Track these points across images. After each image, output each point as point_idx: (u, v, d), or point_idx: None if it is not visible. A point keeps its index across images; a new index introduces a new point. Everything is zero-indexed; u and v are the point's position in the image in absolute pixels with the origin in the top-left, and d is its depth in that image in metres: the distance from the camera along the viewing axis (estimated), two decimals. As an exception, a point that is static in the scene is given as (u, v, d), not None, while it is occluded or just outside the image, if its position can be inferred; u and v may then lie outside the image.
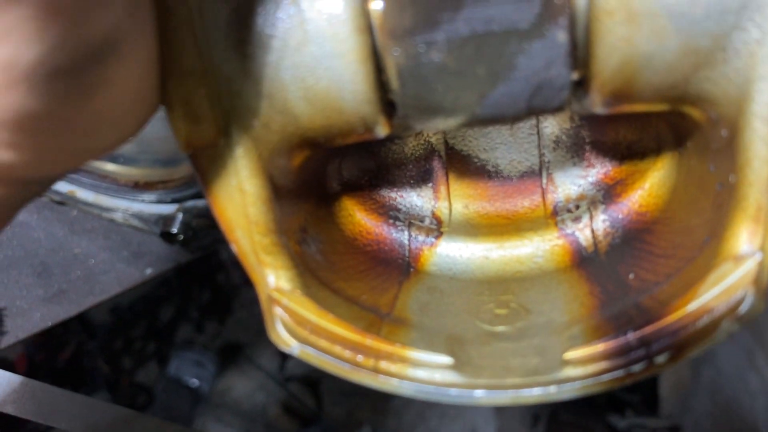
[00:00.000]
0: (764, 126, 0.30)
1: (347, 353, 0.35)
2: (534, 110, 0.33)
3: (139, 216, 0.86)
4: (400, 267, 0.45)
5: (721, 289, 0.31)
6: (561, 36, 0.30)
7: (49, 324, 0.86)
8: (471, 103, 0.32)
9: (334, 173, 0.45)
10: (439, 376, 0.34)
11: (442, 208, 0.47)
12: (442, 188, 0.46)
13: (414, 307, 0.40)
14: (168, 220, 0.85)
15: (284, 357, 2.90)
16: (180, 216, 0.84)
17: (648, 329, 0.33)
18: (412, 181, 0.47)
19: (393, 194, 0.47)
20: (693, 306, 0.32)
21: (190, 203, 0.84)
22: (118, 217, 0.87)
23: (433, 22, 0.30)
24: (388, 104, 0.34)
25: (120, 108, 0.29)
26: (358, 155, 0.46)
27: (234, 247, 0.36)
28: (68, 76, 0.25)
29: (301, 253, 0.38)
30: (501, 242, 0.45)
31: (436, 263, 0.45)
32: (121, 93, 0.28)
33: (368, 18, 0.31)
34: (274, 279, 0.36)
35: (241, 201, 0.35)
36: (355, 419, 2.89)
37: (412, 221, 0.47)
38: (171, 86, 0.32)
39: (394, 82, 0.32)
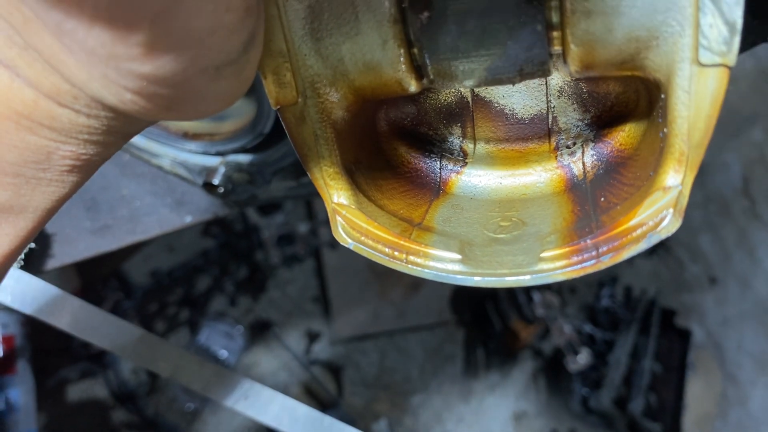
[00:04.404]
0: (683, 93, 0.39)
1: (387, 249, 0.48)
2: (525, 76, 0.44)
3: (184, 165, 0.92)
4: (432, 189, 0.57)
5: (652, 210, 0.41)
6: (538, 26, 0.40)
7: (93, 253, 0.93)
8: (477, 73, 0.44)
9: (382, 117, 0.57)
10: (450, 266, 0.46)
11: (468, 143, 0.58)
12: (469, 127, 0.57)
13: (439, 219, 0.52)
14: (211, 171, 0.90)
15: (311, 340, 2.96)
16: (222, 169, 0.90)
17: (600, 237, 0.43)
18: (444, 122, 0.58)
19: (430, 132, 0.58)
20: (633, 222, 0.42)
21: (231, 157, 0.89)
22: (165, 164, 0.93)
23: (445, 17, 0.41)
24: (417, 70, 0.45)
25: (245, 84, 0.39)
26: (402, 103, 0.57)
27: (310, 175, 0.49)
28: (234, 63, 0.35)
29: (356, 179, 0.50)
30: (512, 171, 0.56)
31: (460, 186, 0.57)
32: (251, 72, 0.39)
33: (403, 11, 0.42)
34: (336, 197, 0.49)
35: (313, 142, 0.47)
36: (372, 411, 2.92)
37: (444, 153, 0.58)
38: (265, 61, 0.44)
39: (420, 58, 0.44)
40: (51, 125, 0.36)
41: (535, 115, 0.56)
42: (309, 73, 0.45)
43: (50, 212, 0.42)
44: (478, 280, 0.45)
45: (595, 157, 0.54)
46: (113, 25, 0.28)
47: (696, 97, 0.39)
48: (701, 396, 2.93)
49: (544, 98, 0.55)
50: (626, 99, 0.53)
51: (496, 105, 0.56)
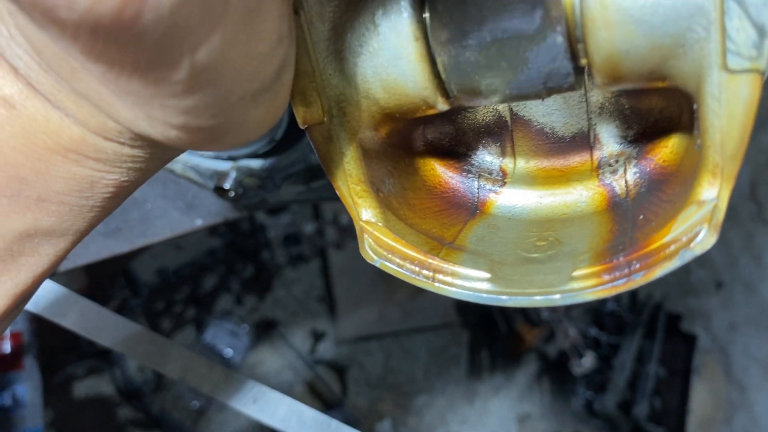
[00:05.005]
0: (714, 101, 0.37)
1: (415, 268, 0.47)
2: (551, 91, 0.43)
3: (196, 169, 0.92)
4: (469, 209, 0.56)
5: (686, 225, 0.39)
6: (559, 39, 0.39)
7: (104, 255, 0.94)
8: (501, 88, 0.43)
9: (419, 137, 0.56)
10: (478, 285, 0.45)
11: (507, 163, 0.57)
12: (509, 147, 0.56)
13: (472, 239, 0.51)
14: (222, 176, 0.91)
15: (316, 340, 2.97)
16: (233, 174, 0.90)
17: (633, 255, 0.42)
18: (483, 142, 0.57)
19: (468, 152, 0.57)
20: (667, 238, 0.40)
21: (243, 162, 0.90)
22: (177, 167, 0.93)
23: (465, 33, 0.41)
24: (443, 88, 0.44)
25: (280, 108, 0.40)
26: (440, 122, 0.56)
27: (338, 192, 0.49)
28: (268, 90, 0.36)
29: (386, 198, 0.50)
30: (552, 190, 0.55)
31: (498, 207, 0.56)
32: (285, 95, 0.40)
33: (424, 28, 0.42)
34: (364, 214, 0.48)
35: (340, 160, 0.47)
36: (376, 411, 2.92)
37: (482, 174, 0.57)
38: (292, 83, 0.44)
39: (443, 74, 0.43)
40: (97, 157, 0.38)
41: (577, 133, 0.54)
42: (334, 92, 0.45)
43: (87, 233, 0.44)
44: (505, 299, 0.44)
45: (637, 175, 0.52)
46: (154, 70, 0.29)
47: (727, 106, 0.37)
48: (706, 401, 2.93)
49: (585, 116, 0.54)
50: (669, 114, 0.51)
51: (536, 123, 0.55)
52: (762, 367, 3.06)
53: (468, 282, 0.46)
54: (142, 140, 0.38)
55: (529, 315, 2.82)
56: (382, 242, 0.48)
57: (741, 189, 3.25)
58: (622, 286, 0.41)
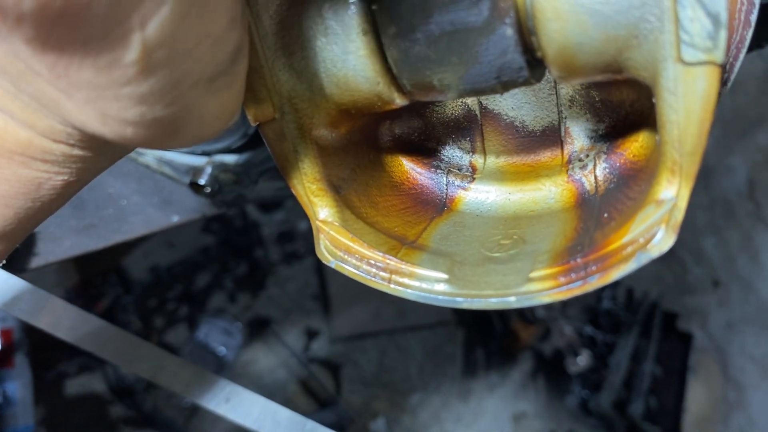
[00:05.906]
0: (670, 95, 0.35)
1: (371, 269, 0.46)
2: (506, 85, 0.41)
3: (171, 164, 0.91)
4: (437, 206, 0.55)
5: (644, 226, 0.38)
6: (508, 31, 0.37)
7: (78, 252, 0.92)
8: (453, 83, 0.41)
9: (386, 132, 0.55)
10: (435, 287, 0.44)
11: (477, 158, 0.56)
12: (479, 142, 0.55)
13: (436, 237, 0.50)
14: (197, 171, 0.89)
15: (310, 338, 2.96)
16: (208, 169, 0.89)
17: (590, 256, 0.40)
18: (453, 136, 0.56)
19: (438, 147, 0.56)
20: (625, 239, 0.39)
21: (218, 157, 0.89)
22: (152, 162, 0.92)
23: (413, 26, 0.39)
24: (397, 83, 0.43)
25: (238, 98, 0.39)
26: (408, 117, 0.55)
27: (293, 191, 0.47)
28: (224, 74, 0.35)
29: (347, 196, 0.48)
30: (521, 186, 0.54)
31: (467, 203, 0.55)
32: (241, 85, 0.38)
33: (373, 21, 0.40)
34: (321, 214, 0.47)
35: (294, 158, 0.46)
36: (371, 409, 2.92)
37: (451, 169, 0.56)
38: None
39: (394, 69, 0.42)
40: (44, 158, 0.37)
41: (547, 126, 0.53)
42: (285, 88, 0.44)
43: (29, 232, 0.44)
44: (461, 301, 0.43)
45: (607, 170, 0.51)
46: (104, 50, 0.28)
47: (684, 100, 0.35)
48: (702, 400, 2.92)
49: (556, 109, 0.52)
50: (641, 107, 0.49)
51: (506, 117, 0.54)
52: (759, 366, 3.05)
53: (425, 283, 0.44)
54: (93, 141, 0.37)
55: (524, 313, 2.81)
56: (338, 242, 0.46)
57: (739, 188, 3.24)
58: (578, 289, 0.40)
